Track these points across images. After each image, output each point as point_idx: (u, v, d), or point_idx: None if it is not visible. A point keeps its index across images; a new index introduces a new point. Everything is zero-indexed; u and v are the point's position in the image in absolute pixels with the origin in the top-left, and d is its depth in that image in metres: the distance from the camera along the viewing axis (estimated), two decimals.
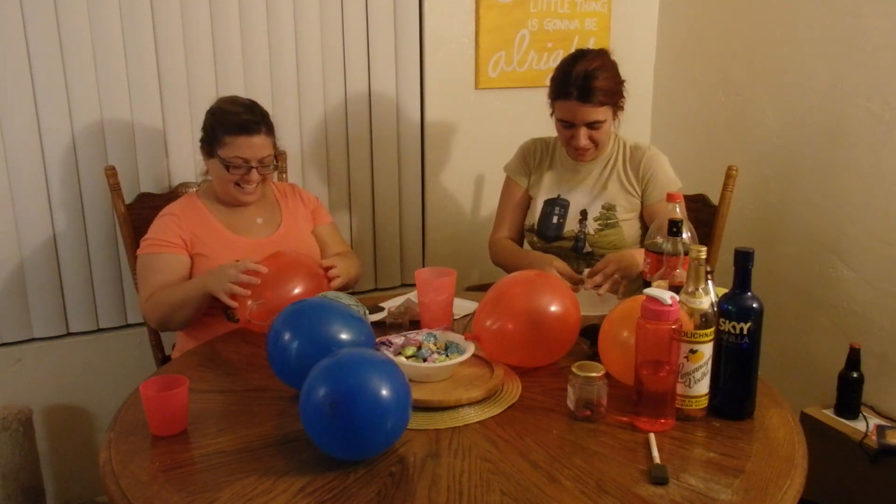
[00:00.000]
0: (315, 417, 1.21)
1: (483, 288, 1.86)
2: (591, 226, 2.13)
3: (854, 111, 2.22)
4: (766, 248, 2.47)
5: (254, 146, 1.95)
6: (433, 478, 1.21)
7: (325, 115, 2.53)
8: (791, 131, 2.44)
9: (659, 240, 1.64)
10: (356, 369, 1.22)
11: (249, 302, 1.75)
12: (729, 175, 2.25)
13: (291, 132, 2.46)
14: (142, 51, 2.24)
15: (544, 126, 2.27)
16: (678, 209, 1.67)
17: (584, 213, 2.15)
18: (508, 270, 2.18)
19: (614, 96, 2.03)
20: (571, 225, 2.16)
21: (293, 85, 2.46)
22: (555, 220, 2.17)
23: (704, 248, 1.36)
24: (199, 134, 2.29)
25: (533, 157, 2.25)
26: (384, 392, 1.20)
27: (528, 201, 2.26)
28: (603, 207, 2.13)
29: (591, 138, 2.05)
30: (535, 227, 2.20)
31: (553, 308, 1.53)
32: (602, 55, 2.05)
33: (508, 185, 2.30)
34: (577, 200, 2.16)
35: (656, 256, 1.64)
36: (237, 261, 1.81)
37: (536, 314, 1.52)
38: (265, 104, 2.09)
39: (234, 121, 1.95)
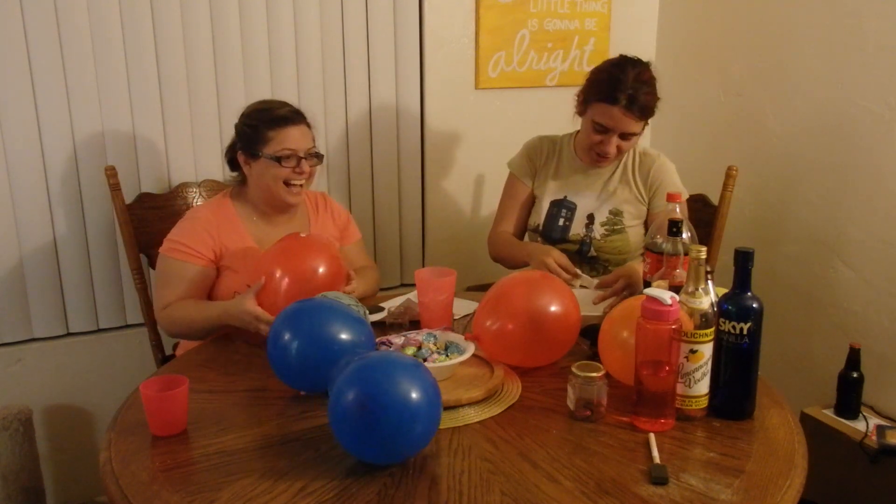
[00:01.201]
0: (343, 419, 1.20)
1: (483, 288, 1.86)
2: (598, 230, 2.12)
3: (854, 111, 2.22)
4: (766, 248, 2.47)
5: (299, 136, 1.93)
6: (433, 478, 1.21)
7: (325, 116, 2.52)
8: (791, 131, 2.44)
9: (659, 240, 1.64)
10: (388, 371, 1.22)
11: None
12: (729, 175, 2.26)
13: None
14: (142, 51, 2.24)
15: (544, 126, 2.27)
16: (678, 209, 1.67)
17: (591, 218, 2.13)
18: (506, 263, 2.18)
19: (652, 114, 2.02)
20: (578, 228, 2.15)
21: (293, 85, 2.45)
22: (561, 222, 2.15)
23: (704, 248, 1.36)
24: (199, 134, 2.30)
25: (539, 157, 2.23)
26: (414, 395, 1.19)
27: (531, 201, 2.25)
28: (610, 213, 2.12)
29: (618, 147, 2.03)
30: (541, 227, 2.19)
31: (553, 308, 1.53)
32: (650, 68, 2.01)
33: (512, 182, 2.27)
34: (584, 204, 2.15)
35: (656, 256, 1.64)
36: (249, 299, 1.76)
37: (536, 314, 1.52)
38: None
39: (274, 115, 1.93)
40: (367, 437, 1.19)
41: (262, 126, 1.91)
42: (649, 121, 2.07)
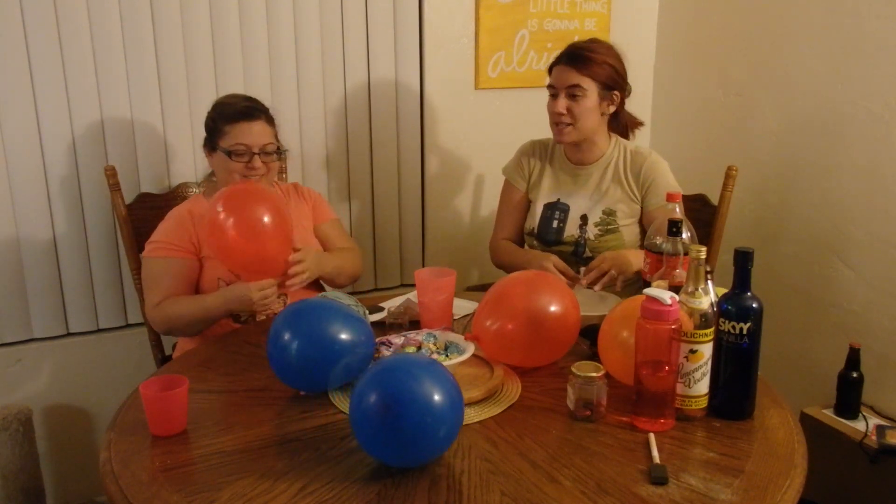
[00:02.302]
0: (366, 421, 1.19)
1: (483, 288, 1.86)
2: (592, 231, 2.13)
3: (854, 111, 2.22)
4: (766, 248, 2.47)
5: (254, 132, 1.94)
6: (433, 478, 1.21)
7: (324, 116, 2.53)
8: (791, 131, 2.44)
9: (658, 240, 1.64)
10: (412, 372, 1.20)
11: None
12: (729, 175, 2.25)
13: (291, 132, 2.46)
14: (142, 50, 2.25)
15: (544, 126, 2.27)
16: (677, 209, 1.67)
17: (584, 218, 2.14)
18: (508, 271, 2.18)
19: (602, 73, 2.04)
20: (571, 229, 2.15)
21: (293, 85, 2.46)
22: (555, 224, 2.16)
23: (704, 248, 1.36)
24: (199, 134, 2.29)
25: (531, 161, 2.25)
26: (438, 397, 1.17)
27: (527, 204, 2.26)
28: (603, 213, 2.13)
29: (569, 111, 2.05)
30: (535, 230, 2.19)
31: (553, 308, 1.53)
32: (608, 44, 2.11)
33: (507, 187, 2.30)
34: (577, 205, 2.16)
35: (656, 256, 1.64)
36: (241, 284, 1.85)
37: (536, 314, 1.52)
38: (265, 104, 2.08)
39: (232, 109, 1.96)
40: (391, 440, 1.17)
41: (220, 120, 1.96)
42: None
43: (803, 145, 2.39)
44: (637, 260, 1.89)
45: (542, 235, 2.18)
